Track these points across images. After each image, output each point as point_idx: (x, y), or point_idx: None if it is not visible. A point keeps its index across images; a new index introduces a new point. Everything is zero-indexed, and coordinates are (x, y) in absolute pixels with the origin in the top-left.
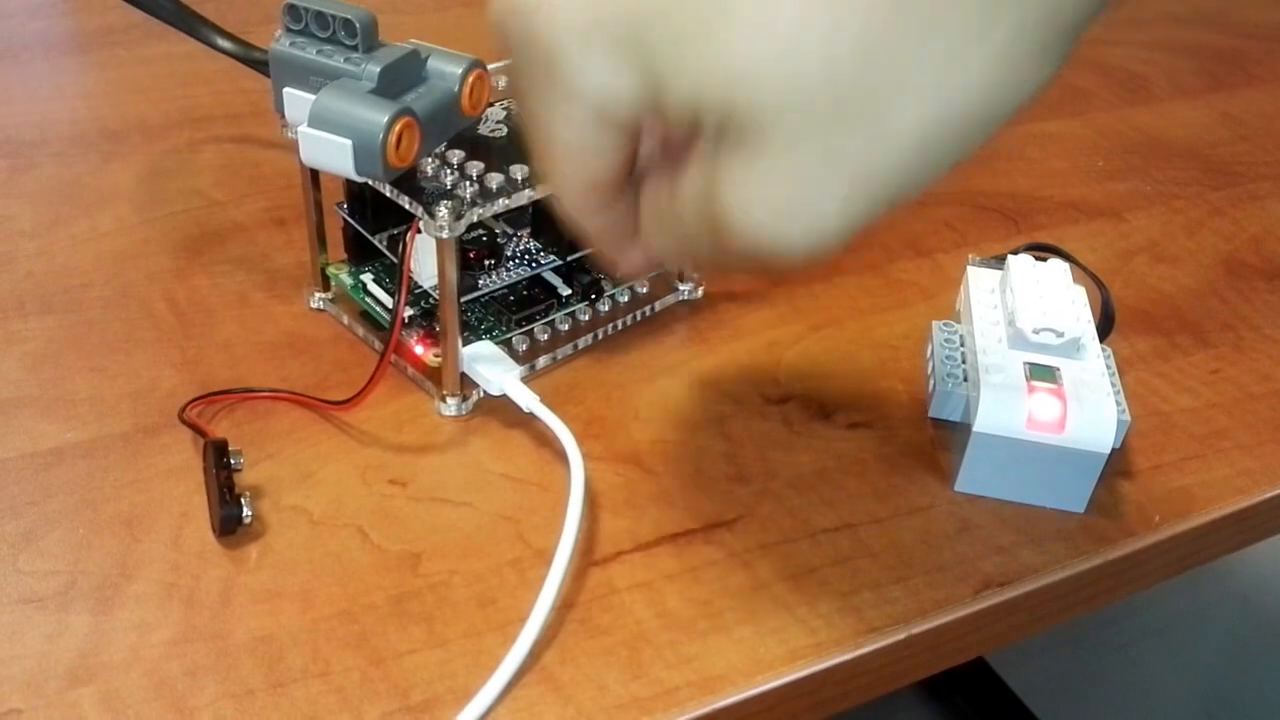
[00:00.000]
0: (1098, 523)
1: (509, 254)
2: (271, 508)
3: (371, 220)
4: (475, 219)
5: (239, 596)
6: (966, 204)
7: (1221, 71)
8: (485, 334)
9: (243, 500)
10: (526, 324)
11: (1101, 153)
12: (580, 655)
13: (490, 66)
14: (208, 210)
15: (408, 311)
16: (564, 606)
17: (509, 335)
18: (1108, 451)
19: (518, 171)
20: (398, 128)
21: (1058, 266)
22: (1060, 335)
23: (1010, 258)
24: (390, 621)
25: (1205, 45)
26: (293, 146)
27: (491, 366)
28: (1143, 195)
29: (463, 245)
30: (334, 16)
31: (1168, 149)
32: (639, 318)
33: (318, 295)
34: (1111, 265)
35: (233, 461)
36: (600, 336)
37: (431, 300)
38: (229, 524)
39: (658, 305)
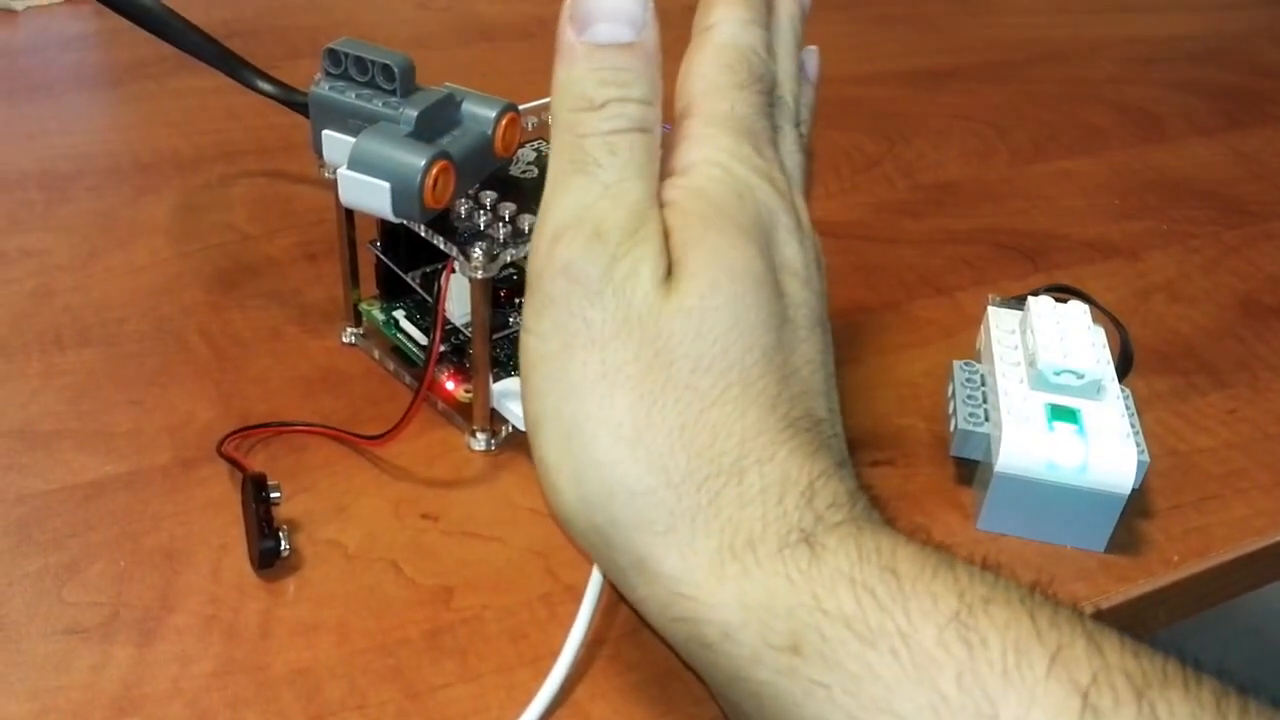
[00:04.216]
0: (1118, 562)
1: None
2: (307, 541)
3: (405, 258)
4: (508, 260)
5: (277, 629)
6: (985, 242)
7: (1237, 111)
8: (515, 370)
9: (280, 533)
10: None
11: (1118, 192)
12: (611, 690)
13: (521, 108)
14: (241, 244)
15: (439, 348)
16: (594, 642)
17: None
18: (1128, 492)
19: None
20: (434, 171)
21: (1077, 308)
22: (1081, 377)
23: (1030, 299)
24: (424, 655)
25: (1221, 85)
26: (325, 182)
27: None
28: (1159, 234)
29: (494, 284)
30: (373, 62)
31: (1184, 188)
32: None
33: (350, 330)
34: (1129, 304)
35: (271, 495)
36: None
37: (463, 336)
38: (267, 557)
39: None
